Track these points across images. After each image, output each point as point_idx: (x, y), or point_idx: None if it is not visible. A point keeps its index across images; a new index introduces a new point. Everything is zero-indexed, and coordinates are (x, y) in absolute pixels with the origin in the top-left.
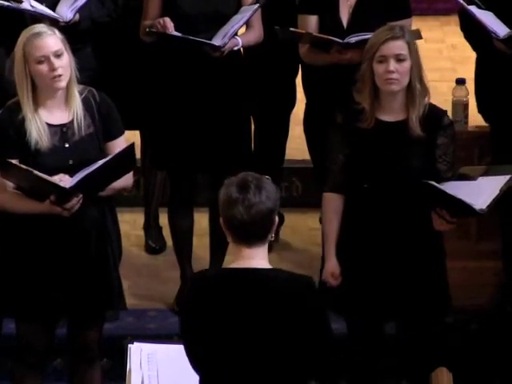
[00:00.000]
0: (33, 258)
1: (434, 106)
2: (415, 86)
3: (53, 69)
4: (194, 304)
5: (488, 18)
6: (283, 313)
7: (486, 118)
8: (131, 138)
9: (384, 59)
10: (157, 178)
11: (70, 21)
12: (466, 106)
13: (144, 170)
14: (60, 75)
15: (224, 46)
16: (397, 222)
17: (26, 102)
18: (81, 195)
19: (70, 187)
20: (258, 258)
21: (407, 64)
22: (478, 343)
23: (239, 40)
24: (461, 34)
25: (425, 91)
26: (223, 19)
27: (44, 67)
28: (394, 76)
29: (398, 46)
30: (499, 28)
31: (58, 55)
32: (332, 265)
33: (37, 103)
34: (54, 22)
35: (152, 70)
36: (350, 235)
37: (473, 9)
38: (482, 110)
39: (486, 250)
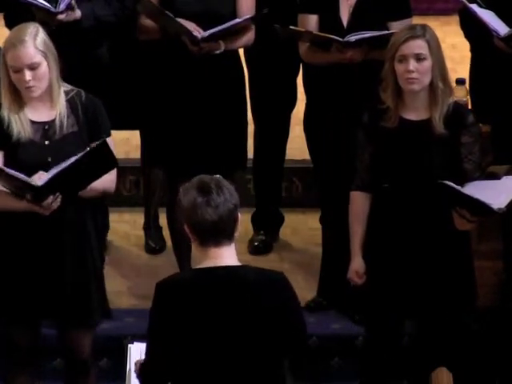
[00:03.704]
0: (14, 261)
1: (460, 104)
2: (437, 85)
3: (24, 81)
4: (167, 309)
5: (489, 17)
6: (256, 308)
7: (480, 119)
8: (131, 137)
9: (404, 58)
10: (157, 178)
11: (63, 11)
12: (465, 106)
13: (144, 170)
14: (31, 87)
15: (202, 41)
16: (420, 220)
17: (10, 99)
18: (58, 193)
19: (42, 185)
20: (226, 257)
21: (427, 63)
22: (478, 343)
23: (221, 44)
24: (461, 33)
25: (449, 90)
26: (219, 20)
27: (20, 76)
28: (414, 75)
29: (418, 46)
30: (500, 27)
31: (32, 68)
32: (357, 263)
33: (22, 101)
34: (50, 13)
35: (151, 70)
36: (374, 234)
37: (474, 7)
38: (476, 109)
39: (486, 250)
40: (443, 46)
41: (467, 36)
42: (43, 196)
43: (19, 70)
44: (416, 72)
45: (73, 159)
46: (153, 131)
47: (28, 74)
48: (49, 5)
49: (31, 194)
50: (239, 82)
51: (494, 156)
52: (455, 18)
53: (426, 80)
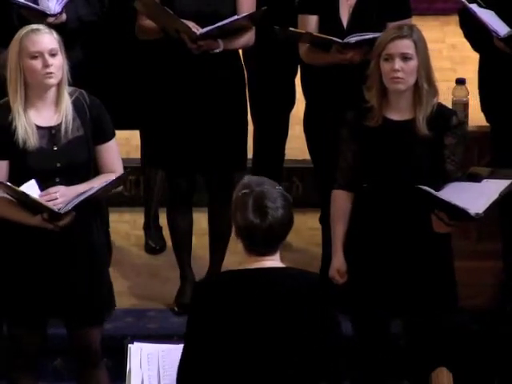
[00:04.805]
0: (20, 261)
1: (444, 106)
2: (422, 85)
3: (46, 65)
4: (204, 310)
5: (489, 17)
6: (293, 312)
7: (487, 118)
8: (131, 137)
9: (390, 58)
10: (157, 177)
11: (58, 15)
12: (465, 105)
13: (144, 170)
14: (52, 72)
15: (200, 37)
16: (401, 220)
17: (16, 98)
18: (74, 213)
19: (65, 212)
20: (269, 260)
21: (413, 63)
22: (477, 343)
23: (220, 43)
24: (461, 33)
25: (433, 91)
26: (219, 20)
27: (37, 63)
28: (400, 75)
29: (405, 45)
30: (500, 27)
31: (52, 54)
32: (338, 262)
33: (27, 103)
34: (42, 16)
35: (150, 70)
36: (356, 233)
37: (474, 7)
38: (484, 109)
39: (485, 250)
40: (443, 45)
41: (467, 36)
42: (61, 217)
43: (39, 56)
44: (401, 72)
45: (97, 187)
46: (153, 131)
47: (50, 59)
48: (43, 8)
49: (48, 214)
50: (240, 82)
51: (493, 156)
52: (455, 18)
53: (412, 80)
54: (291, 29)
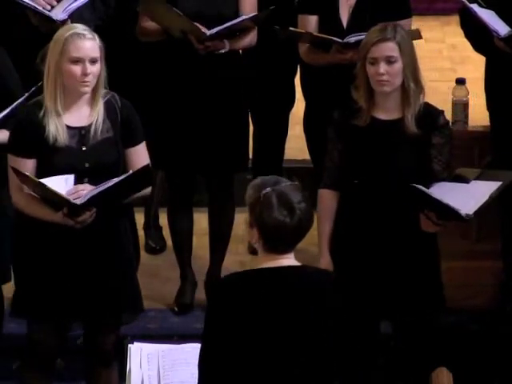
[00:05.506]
0: (47, 261)
1: (430, 105)
2: (409, 85)
3: (84, 73)
4: (228, 309)
5: (489, 17)
6: (315, 309)
7: (490, 117)
8: None
9: (374, 61)
10: (157, 177)
11: (64, 21)
12: (465, 105)
13: None
14: (88, 81)
15: (209, 38)
16: (389, 219)
17: (51, 96)
18: (94, 209)
19: (81, 204)
20: (286, 258)
21: (398, 65)
22: (477, 343)
23: (226, 43)
24: (461, 33)
25: (420, 90)
26: (222, 20)
27: (77, 69)
28: (385, 78)
29: (388, 48)
30: (500, 27)
31: (93, 61)
32: (325, 261)
33: (61, 103)
34: (47, 21)
35: (151, 71)
36: (343, 233)
37: (474, 7)
38: (489, 108)
39: (485, 250)
40: (443, 45)
41: (467, 36)
42: (80, 212)
43: (80, 61)
44: (387, 74)
45: (115, 180)
46: (153, 132)
47: (89, 67)
48: (49, 13)
49: (68, 209)
50: (240, 82)
51: (493, 156)
52: (455, 18)
53: (398, 81)
54: (291, 29)
